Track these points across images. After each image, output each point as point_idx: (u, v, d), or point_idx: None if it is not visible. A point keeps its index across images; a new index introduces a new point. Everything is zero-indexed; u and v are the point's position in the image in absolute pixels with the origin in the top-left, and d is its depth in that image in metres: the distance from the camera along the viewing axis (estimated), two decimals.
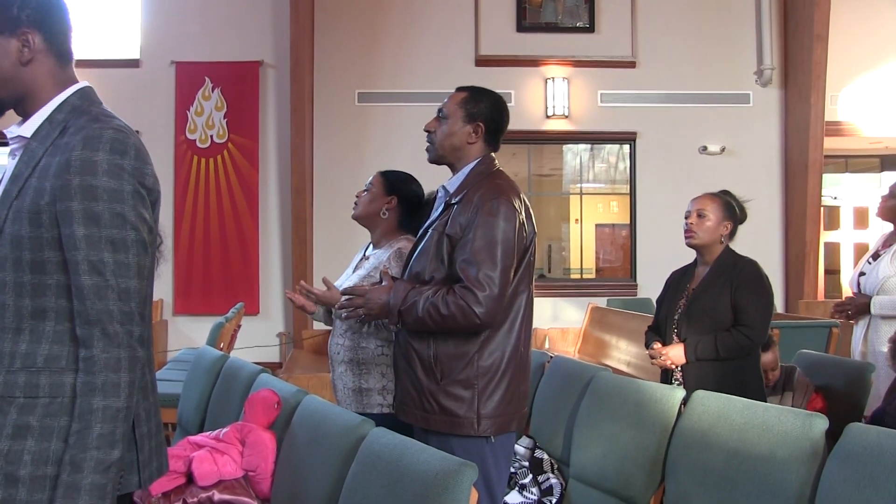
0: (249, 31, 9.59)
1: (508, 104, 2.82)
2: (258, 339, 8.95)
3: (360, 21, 9.73)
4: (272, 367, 6.09)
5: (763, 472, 2.62)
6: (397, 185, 3.21)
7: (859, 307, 4.14)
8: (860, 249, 10.36)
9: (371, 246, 3.28)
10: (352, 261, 3.36)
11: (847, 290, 4.36)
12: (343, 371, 3.09)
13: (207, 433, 3.31)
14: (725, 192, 3.63)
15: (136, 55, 9.61)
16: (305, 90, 9.19)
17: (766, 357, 3.90)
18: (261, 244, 9.56)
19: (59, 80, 1.76)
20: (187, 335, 9.30)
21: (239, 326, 7.64)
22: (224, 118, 9.52)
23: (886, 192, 4.22)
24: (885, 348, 3.97)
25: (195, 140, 9.50)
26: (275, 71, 9.60)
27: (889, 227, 4.28)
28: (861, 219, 10.57)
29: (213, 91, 9.53)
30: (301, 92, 9.05)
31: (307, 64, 9.28)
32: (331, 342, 3.18)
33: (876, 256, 4.19)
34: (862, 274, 4.22)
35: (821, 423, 2.57)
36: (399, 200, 3.19)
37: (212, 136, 9.51)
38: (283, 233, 9.60)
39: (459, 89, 2.74)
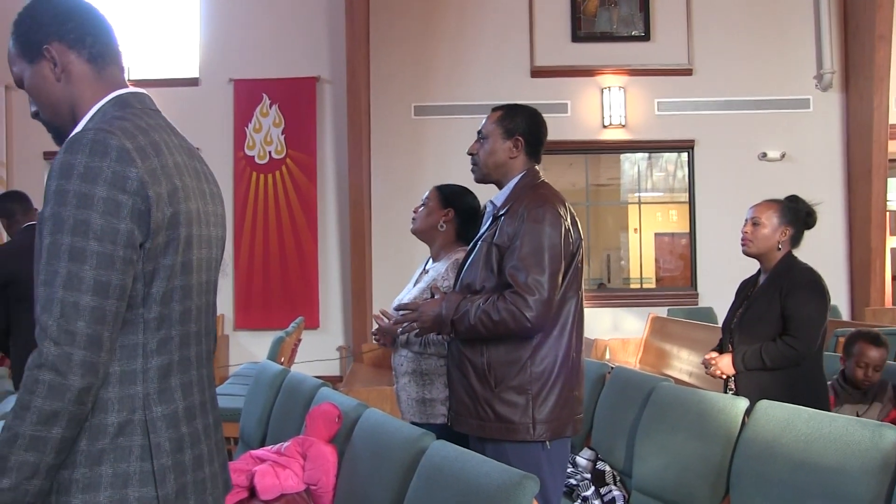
0: (305, 47, 9.74)
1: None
2: (318, 352, 9.05)
3: (415, 34, 9.81)
4: (332, 381, 6.14)
5: (831, 485, 2.56)
6: (453, 198, 3.26)
7: None
8: None
9: (430, 260, 3.33)
10: (412, 275, 3.40)
11: None
12: (407, 382, 3.11)
13: (269, 447, 3.36)
14: (791, 198, 3.57)
15: (195, 73, 9.83)
16: (362, 104, 9.28)
17: (874, 353, 3.85)
18: (319, 258, 9.66)
19: (98, 86, 1.65)
20: (248, 350, 9.44)
21: (299, 340, 7.73)
22: (282, 134, 9.67)
23: None
24: None
25: (253, 156, 9.66)
26: (331, 86, 9.73)
27: None
28: None
29: (270, 107, 9.68)
30: (357, 106, 9.14)
31: (363, 78, 9.38)
32: (394, 354, 3.22)
33: None
34: None
35: (891, 435, 2.50)
36: (456, 213, 3.24)
37: (270, 152, 9.66)
38: (342, 247, 9.69)
39: (495, 109, 2.81)
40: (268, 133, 9.66)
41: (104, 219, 1.44)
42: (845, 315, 9.39)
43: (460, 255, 3.13)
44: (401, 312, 2.79)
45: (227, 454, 1.75)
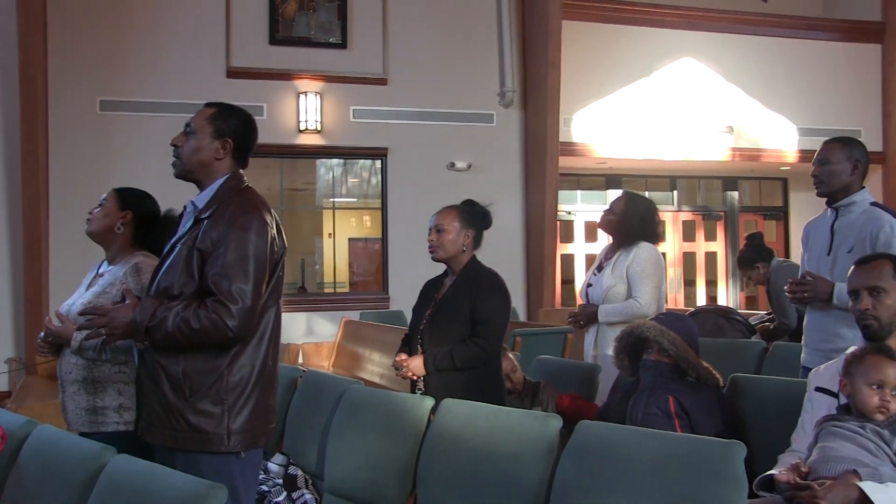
0: None
1: (260, 117, 2.82)
2: None
3: (101, 24, 9.17)
4: None
5: (507, 472, 2.76)
6: (132, 201, 3.18)
7: (589, 316, 4.48)
8: (591, 260, 11.20)
9: (105, 263, 3.20)
10: (84, 279, 3.25)
11: (579, 301, 4.71)
12: (76, 391, 2.96)
13: None
14: (467, 202, 3.77)
15: None
16: (38, 95, 8.50)
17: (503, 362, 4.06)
18: None
19: None
20: None
21: None
22: None
23: (608, 206, 4.61)
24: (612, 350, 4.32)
25: None
26: (0, 73, 8.82)
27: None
28: (591, 232, 11.42)
29: None
30: (33, 97, 8.36)
31: (40, 67, 8.60)
32: (61, 361, 3.03)
33: (600, 268, 4.55)
34: (589, 285, 4.57)
35: (556, 423, 2.76)
36: (134, 216, 3.16)
37: None
38: (13, 250, 8.81)
39: (208, 105, 2.73)
40: None
41: None
42: (522, 316, 10.18)
43: (139, 259, 3.06)
44: (86, 317, 2.60)
45: None
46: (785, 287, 3.70)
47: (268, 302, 2.56)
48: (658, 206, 4.68)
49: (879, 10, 11.52)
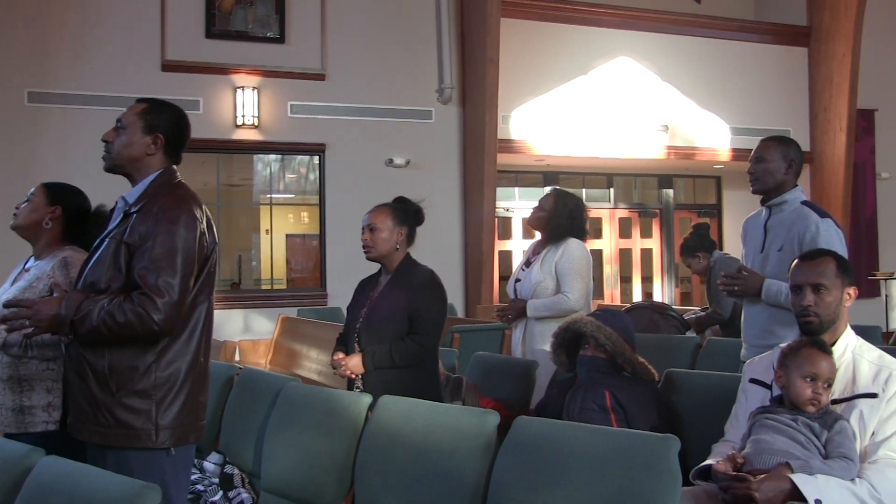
0: None
1: (196, 112, 2.82)
2: None
3: (30, 10, 8.89)
4: None
5: (445, 468, 2.77)
6: (61, 196, 3.14)
7: (518, 311, 4.51)
8: None
9: (32, 258, 3.15)
10: (10, 275, 3.19)
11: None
12: (0, 390, 2.89)
13: None
14: (399, 199, 3.76)
15: None
16: None
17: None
18: None
19: None
20: None
21: None
22: None
23: (537, 204, 4.65)
24: (542, 346, 4.34)
25: None
26: None
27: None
28: (529, 229, 11.46)
29: None
30: None
31: None
32: None
33: (528, 264, 4.59)
34: (518, 280, 4.61)
35: (493, 419, 2.78)
36: (64, 211, 3.11)
37: None
38: None
39: (140, 100, 2.73)
40: None
41: None
42: (461, 312, 10.20)
43: (68, 253, 3.02)
44: (10, 309, 2.55)
45: None
46: (718, 280, 3.77)
47: (198, 297, 2.55)
48: (595, 204, 4.75)
49: (805, 15, 11.86)
